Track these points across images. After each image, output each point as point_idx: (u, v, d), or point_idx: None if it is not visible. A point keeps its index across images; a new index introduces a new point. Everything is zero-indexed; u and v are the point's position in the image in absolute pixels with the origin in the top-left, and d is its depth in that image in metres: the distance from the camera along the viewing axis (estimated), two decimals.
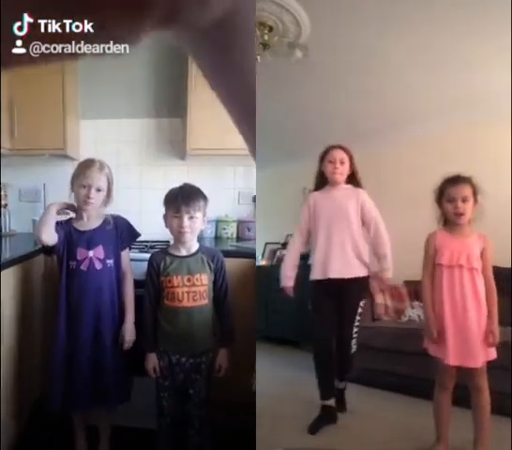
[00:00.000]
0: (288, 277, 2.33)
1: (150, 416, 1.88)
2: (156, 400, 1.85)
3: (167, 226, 1.84)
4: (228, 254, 2.09)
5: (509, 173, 2.96)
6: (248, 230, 2.90)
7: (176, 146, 2.83)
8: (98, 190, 1.81)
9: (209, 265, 1.85)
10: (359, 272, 2.23)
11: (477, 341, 1.74)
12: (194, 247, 1.86)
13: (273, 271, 4.61)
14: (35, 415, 2.15)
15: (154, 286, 1.83)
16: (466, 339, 1.75)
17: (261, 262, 4.94)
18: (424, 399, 2.31)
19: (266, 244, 5.14)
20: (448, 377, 1.83)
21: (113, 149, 2.58)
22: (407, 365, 2.65)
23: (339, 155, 2.24)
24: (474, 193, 1.82)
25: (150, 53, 2.81)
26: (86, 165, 1.83)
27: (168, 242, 2.04)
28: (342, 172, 2.25)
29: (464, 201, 1.80)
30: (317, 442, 2.06)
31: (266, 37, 2.45)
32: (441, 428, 1.85)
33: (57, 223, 1.82)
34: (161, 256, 1.85)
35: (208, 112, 2.44)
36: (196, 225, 1.81)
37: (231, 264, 2.11)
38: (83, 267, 1.82)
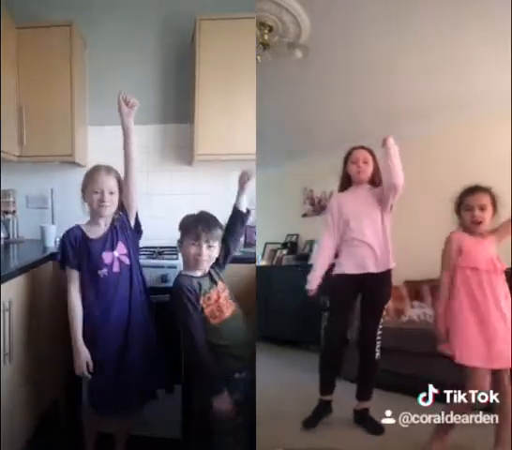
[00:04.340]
0: (315, 283, 2.27)
1: (165, 425, 1.89)
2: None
3: (181, 251, 1.84)
4: (236, 260, 2.08)
5: (509, 173, 2.96)
6: (255, 234, 2.96)
7: (183, 152, 2.84)
8: (111, 193, 1.81)
9: (217, 270, 1.87)
10: (387, 266, 2.20)
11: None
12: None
13: (273, 271, 4.63)
14: (44, 424, 2.14)
15: (196, 311, 1.74)
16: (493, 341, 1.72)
17: (261, 262, 4.94)
18: None
19: (266, 244, 5.14)
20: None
21: (120, 155, 2.60)
22: (407, 365, 2.65)
23: (362, 155, 2.25)
24: (493, 203, 1.82)
25: (158, 59, 2.85)
26: (93, 171, 1.85)
27: (175, 248, 2.02)
28: (366, 170, 2.25)
29: (482, 209, 1.81)
30: (317, 442, 2.06)
31: (266, 37, 2.45)
32: (441, 428, 1.84)
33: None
34: (187, 280, 1.79)
35: (216, 118, 2.47)
36: (213, 254, 1.82)
37: (237, 269, 2.12)
38: (116, 269, 1.81)
